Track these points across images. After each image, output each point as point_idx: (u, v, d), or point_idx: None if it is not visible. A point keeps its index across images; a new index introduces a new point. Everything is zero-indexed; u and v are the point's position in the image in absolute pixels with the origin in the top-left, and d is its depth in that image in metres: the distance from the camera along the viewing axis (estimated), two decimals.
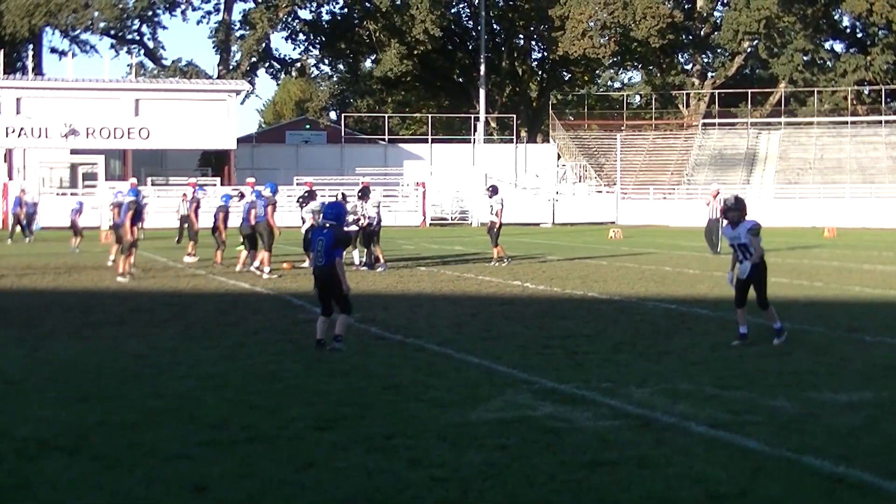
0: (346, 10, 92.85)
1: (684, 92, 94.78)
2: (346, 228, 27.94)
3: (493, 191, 32.16)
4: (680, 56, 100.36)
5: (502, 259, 30.47)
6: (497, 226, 30.89)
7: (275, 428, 9.54)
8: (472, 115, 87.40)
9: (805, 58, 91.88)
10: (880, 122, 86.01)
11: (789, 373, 12.50)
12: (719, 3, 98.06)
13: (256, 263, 26.96)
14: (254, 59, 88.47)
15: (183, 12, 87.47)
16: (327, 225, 14.56)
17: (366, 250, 29.20)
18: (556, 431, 9.38)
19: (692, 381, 11.85)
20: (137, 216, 27.10)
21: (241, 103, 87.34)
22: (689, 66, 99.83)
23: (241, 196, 34.80)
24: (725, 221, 15.67)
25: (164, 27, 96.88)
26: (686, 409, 10.28)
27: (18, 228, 46.97)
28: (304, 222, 29.30)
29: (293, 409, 10.33)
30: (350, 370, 12.67)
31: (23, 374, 12.46)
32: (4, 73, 73.02)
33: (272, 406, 10.51)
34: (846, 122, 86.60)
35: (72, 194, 60.78)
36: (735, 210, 15.47)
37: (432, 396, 11.00)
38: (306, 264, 28.84)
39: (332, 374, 12.37)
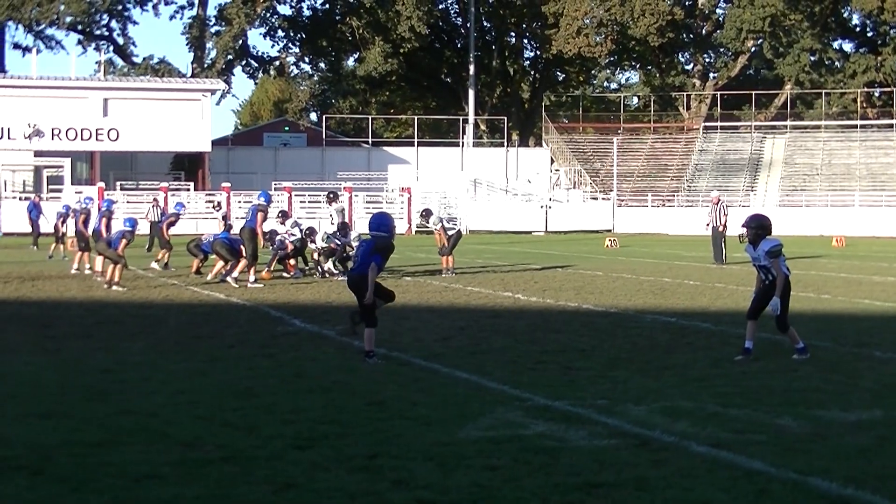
0: (327, 5, 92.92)
1: (685, 93, 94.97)
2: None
3: (427, 214, 32.84)
4: (680, 55, 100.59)
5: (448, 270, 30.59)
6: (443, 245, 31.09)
7: (251, 447, 9.52)
8: (461, 117, 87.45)
9: (812, 58, 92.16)
10: (891, 125, 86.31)
11: (795, 390, 12.50)
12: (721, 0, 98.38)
13: (235, 274, 26.92)
14: (230, 57, 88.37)
15: (155, 7, 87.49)
16: (371, 234, 14.88)
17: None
18: (549, 451, 9.37)
19: (693, 398, 11.85)
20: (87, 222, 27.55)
21: (217, 104, 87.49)
22: (689, 66, 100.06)
23: (219, 206, 35.51)
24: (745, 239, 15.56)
25: (135, 22, 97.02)
26: (686, 428, 10.27)
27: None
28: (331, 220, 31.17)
29: (270, 428, 10.31)
30: (331, 386, 12.65)
31: None
32: None
33: (248, 424, 10.48)
34: (855, 126, 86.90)
35: (35, 198, 60.58)
36: (752, 228, 15.37)
37: (418, 414, 10.99)
38: (288, 274, 28.97)
39: (312, 391, 12.35)
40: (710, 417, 10.83)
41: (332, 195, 34.25)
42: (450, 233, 31.05)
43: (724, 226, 36.41)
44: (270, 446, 9.56)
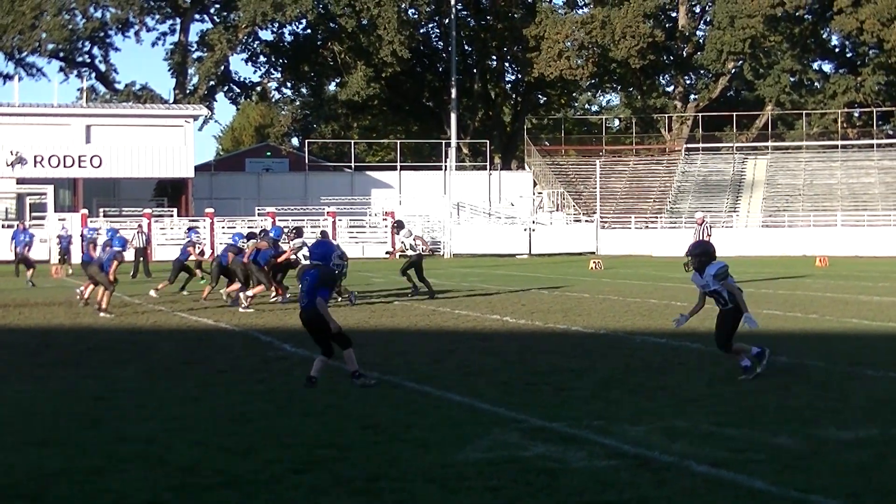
0: (309, 30, 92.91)
1: (666, 115, 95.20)
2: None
3: (399, 226, 32.94)
4: (661, 77, 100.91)
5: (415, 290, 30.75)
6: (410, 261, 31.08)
7: (250, 472, 9.50)
8: (443, 141, 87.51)
9: (792, 79, 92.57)
10: (872, 145, 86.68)
11: (789, 408, 12.53)
12: (702, 21, 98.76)
13: (250, 293, 27.29)
14: (212, 83, 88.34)
15: (136, 33, 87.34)
16: (313, 264, 14.64)
17: None
18: (549, 472, 9.36)
19: (688, 418, 11.85)
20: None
21: (199, 129, 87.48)
22: (670, 88, 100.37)
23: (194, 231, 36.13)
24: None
25: (117, 49, 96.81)
26: (685, 448, 10.28)
27: None
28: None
29: (268, 452, 10.28)
30: (324, 410, 12.63)
31: None
32: None
33: (245, 448, 10.46)
34: (836, 146, 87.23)
35: (16, 226, 60.48)
36: (696, 256, 15.32)
37: (414, 436, 10.98)
38: (274, 298, 28.92)
39: (306, 415, 12.33)
40: (707, 437, 10.84)
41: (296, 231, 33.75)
42: (409, 252, 31.04)
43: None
44: (269, 471, 9.53)
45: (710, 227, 38.04)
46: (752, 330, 15.24)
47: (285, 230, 31.26)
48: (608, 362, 16.63)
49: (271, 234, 28.69)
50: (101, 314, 25.41)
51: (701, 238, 36.14)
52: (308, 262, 28.11)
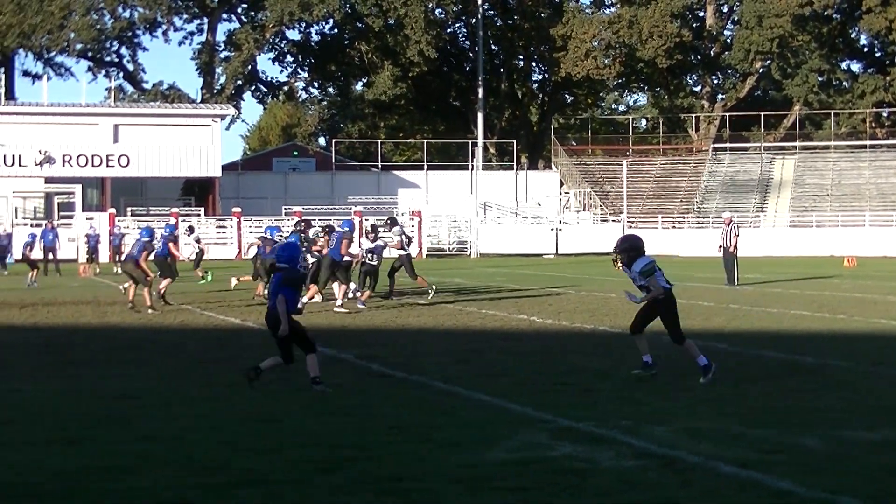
0: (336, 30, 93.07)
1: (693, 115, 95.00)
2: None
3: (392, 223, 32.08)
4: (688, 77, 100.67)
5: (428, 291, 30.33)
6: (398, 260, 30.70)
7: (277, 471, 9.51)
8: (470, 141, 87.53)
9: (821, 78, 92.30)
10: None
11: (816, 409, 12.48)
12: (730, 21, 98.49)
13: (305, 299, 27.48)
14: (239, 82, 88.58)
15: (164, 33, 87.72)
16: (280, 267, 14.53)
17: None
18: (576, 472, 9.35)
19: (715, 419, 11.83)
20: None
21: (227, 129, 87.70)
22: (698, 88, 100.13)
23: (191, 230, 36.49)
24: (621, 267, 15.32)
25: (145, 49, 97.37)
26: (711, 449, 10.25)
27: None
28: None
29: (294, 451, 10.29)
30: (352, 410, 12.64)
31: (7, 416, 12.40)
32: None
33: (272, 448, 10.47)
34: (865, 146, 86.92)
35: (45, 224, 60.72)
36: (624, 251, 15.16)
37: (442, 437, 10.97)
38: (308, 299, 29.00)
39: (333, 414, 12.34)
40: (734, 438, 10.81)
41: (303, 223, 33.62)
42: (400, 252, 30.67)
43: (735, 247, 36.36)
44: (296, 470, 9.54)
45: (738, 227, 37.92)
46: (630, 301, 15.14)
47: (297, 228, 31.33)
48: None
49: (346, 228, 28.48)
50: (149, 311, 25.72)
51: (728, 239, 36.15)
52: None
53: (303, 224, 30.64)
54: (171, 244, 29.90)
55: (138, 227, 62.53)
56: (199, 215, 70.02)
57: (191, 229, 43.55)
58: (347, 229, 27.79)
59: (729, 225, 36.98)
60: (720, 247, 37.03)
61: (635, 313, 15.37)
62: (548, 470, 9.46)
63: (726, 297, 30.37)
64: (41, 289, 35.96)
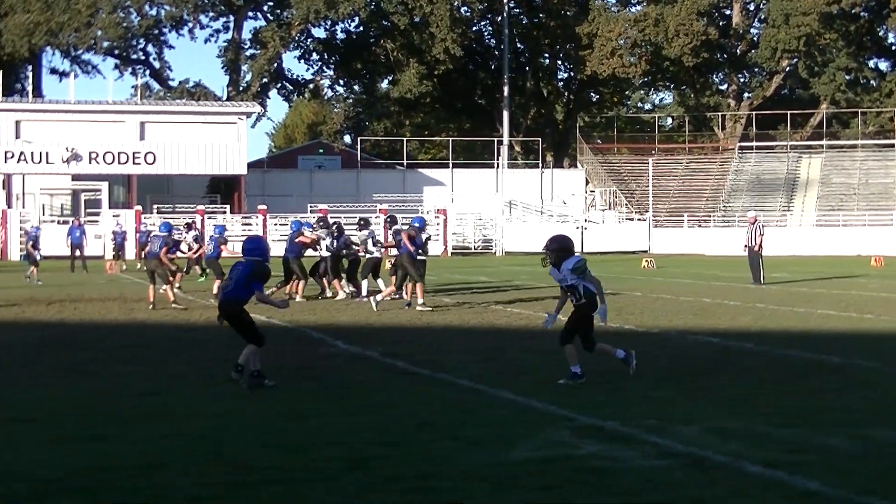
0: (361, 28, 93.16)
1: (719, 113, 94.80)
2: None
3: (392, 221, 31.42)
4: (715, 76, 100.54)
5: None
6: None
7: (303, 468, 9.51)
8: (496, 139, 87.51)
9: (848, 77, 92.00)
10: None
11: (843, 409, 12.43)
12: (756, 19, 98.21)
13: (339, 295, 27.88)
14: (265, 80, 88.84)
15: (190, 31, 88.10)
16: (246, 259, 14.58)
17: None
18: (602, 471, 9.34)
19: (741, 418, 11.77)
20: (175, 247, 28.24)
21: (252, 126, 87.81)
22: (724, 87, 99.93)
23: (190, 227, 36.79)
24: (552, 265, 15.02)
25: (171, 46, 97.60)
26: (738, 448, 10.21)
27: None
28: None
29: (320, 449, 10.30)
30: (377, 407, 12.64)
31: (34, 413, 12.45)
32: (3, 96, 73.50)
33: (298, 445, 10.48)
34: (892, 145, 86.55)
35: (71, 221, 60.97)
36: (553, 250, 15.01)
37: (467, 434, 10.96)
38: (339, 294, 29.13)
39: (359, 412, 12.34)
40: (760, 437, 10.76)
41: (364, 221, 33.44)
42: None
43: (760, 246, 36.28)
44: (321, 468, 9.54)
45: (763, 227, 37.82)
46: (600, 323, 14.82)
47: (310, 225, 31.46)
48: (660, 361, 16.56)
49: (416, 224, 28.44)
50: (172, 306, 25.94)
51: (753, 238, 36.06)
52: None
53: (390, 219, 30.94)
54: (222, 245, 30.09)
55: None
56: (224, 213, 70.19)
57: (188, 227, 43.56)
58: (417, 225, 27.48)
59: (754, 224, 36.88)
60: (745, 246, 36.93)
61: (563, 328, 15.03)
62: (573, 468, 9.44)
63: (752, 296, 30.27)
64: (67, 285, 36.08)
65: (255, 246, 14.82)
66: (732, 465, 9.54)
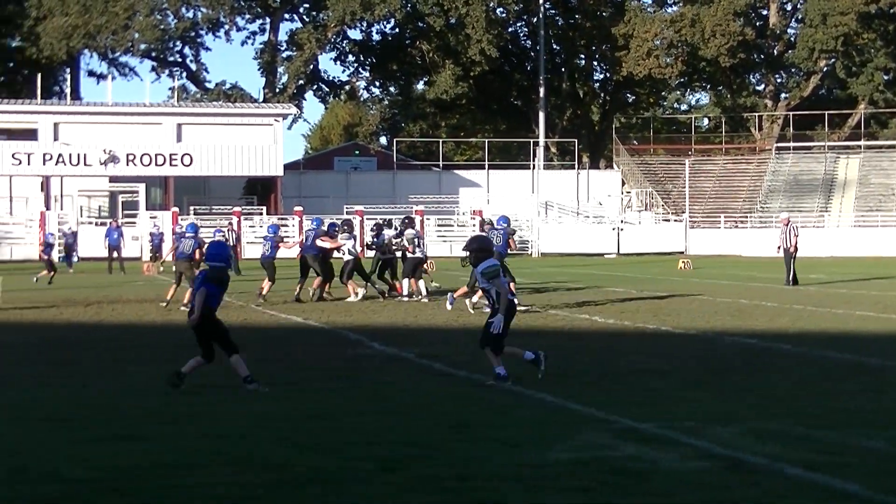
0: (397, 29, 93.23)
1: (756, 114, 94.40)
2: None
3: (409, 223, 31.33)
4: (751, 76, 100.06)
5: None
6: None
7: (340, 469, 9.50)
8: (531, 140, 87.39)
9: (886, 77, 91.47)
10: None
11: (882, 411, 12.35)
12: (793, 19, 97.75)
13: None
14: (301, 82, 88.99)
15: (227, 33, 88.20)
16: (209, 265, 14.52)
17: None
18: (639, 473, 9.29)
19: (779, 420, 11.69)
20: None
21: (288, 128, 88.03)
22: (761, 87, 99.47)
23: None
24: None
25: (208, 49, 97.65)
26: (776, 450, 10.14)
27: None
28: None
29: (357, 450, 10.29)
30: (413, 408, 12.63)
31: (70, 412, 12.50)
32: (41, 98, 73.92)
33: (334, 446, 10.47)
34: None
35: (109, 223, 61.17)
36: (473, 251, 14.85)
37: (504, 436, 10.93)
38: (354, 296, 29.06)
39: (395, 413, 12.33)
40: (799, 439, 10.69)
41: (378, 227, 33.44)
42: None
43: (795, 247, 36.20)
44: (358, 469, 9.52)
45: (797, 228, 37.68)
46: (493, 331, 14.42)
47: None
48: (698, 363, 16.50)
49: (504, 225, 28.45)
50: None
51: (788, 239, 35.95)
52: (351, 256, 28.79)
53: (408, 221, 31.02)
54: (280, 243, 30.26)
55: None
56: (261, 214, 70.38)
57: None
58: (504, 224, 27.43)
59: (787, 225, 36.79)
60: (779, 247, 36.88)
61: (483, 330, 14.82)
62: (610, 470, 9.40)
63: (790, 297, 30.12)
64: (105, 286, 36.24)
65: (218, 252, 14.81)
66: (771, 467, 9.48)
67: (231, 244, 43.89)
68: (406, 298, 28.75)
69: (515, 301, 14.99)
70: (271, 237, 30.19)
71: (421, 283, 29.41)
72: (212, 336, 14.19)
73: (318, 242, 29.36)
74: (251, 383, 13.93)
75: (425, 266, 30.77)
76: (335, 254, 30.08)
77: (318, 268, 29.29)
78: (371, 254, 31.48)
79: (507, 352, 14.53)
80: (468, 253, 14.96)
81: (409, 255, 29.54)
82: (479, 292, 25.86)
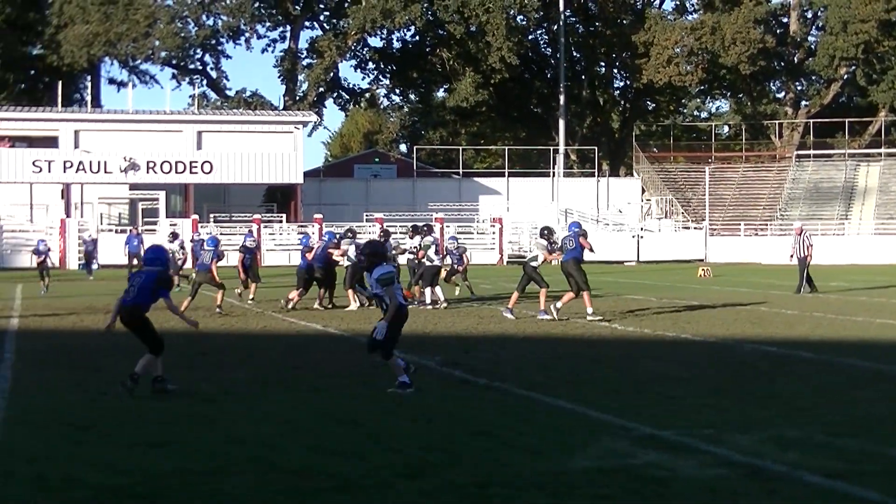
0: (417, 37, 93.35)
1: (777, 122, 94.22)
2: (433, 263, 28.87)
3: (428, 230, 31.53)
4: (772, 84, 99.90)
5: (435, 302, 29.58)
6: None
7: (361, 476, 9.56)
8: (551, 148, 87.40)
9: None
10: None
11: None
12: (814, 27, 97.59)
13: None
14: (321, 89, 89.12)
15: (247, 41, 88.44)
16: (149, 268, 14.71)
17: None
18: (659, 481, 9.33)
19: (800, 428, 11.71)
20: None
21: (309, 135, 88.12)
22: (781, 95, 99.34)
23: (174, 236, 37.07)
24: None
25: (228, 56, 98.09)
26: (796, 458, 10.16)
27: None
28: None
29: (378, 456, 10.35)
30: (435, 415, 12.68)
31: (92, 419, 12.57)
32: (62, 106, 74.19)
33: (356, 452, 10.53)
34: None
35: (129, 231, 61.29)
36: (366, 255, 14.89)
37: (525, 443, 10.98)
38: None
39: (416, 420, 12.39)
40: (819, 447, 10.71)
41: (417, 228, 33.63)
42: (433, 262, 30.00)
43: (809, 256, 36.21)
44: (380, 475, 9.59)
45: (810, 237, 37.63)
46: (375, 336, 14.59)
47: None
48: (717, 370, 16.51)
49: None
50: (216, 310, 26.60)
51: (801, 249, 35.92)
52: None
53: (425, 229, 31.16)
54: (332, 249, 30.26)
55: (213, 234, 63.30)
56: (280, 221, 70.51)
57: (174, 235, 43.64)
58: (576, 229, 27.54)
59: (800, 235, 36.75)
60: (791, 256, 36.89)
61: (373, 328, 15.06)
62: (630, 478, 9.44)
63: (810, 305, 30.08)
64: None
65: (157, 255, 14.96)
66: (791, 475, 9.50)
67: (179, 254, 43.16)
68: (430, 307, 28.82)
69: (408, 308, 15.10)
70: (212, 250, 29.59)
71: (438, 289, 29.50)
72: (142, 332, 14.46)
73: (330, 251, 29.56)
74: (131, 382, 14.10)
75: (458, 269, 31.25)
76: (343, 262, 30.06)
77: (322, 277, 29.52)
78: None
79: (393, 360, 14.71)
80: (362, 257, 15.07)
81: (427, 263, 29.64)
82: (566, 296, 25.95)
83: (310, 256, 29.96)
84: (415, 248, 31.35)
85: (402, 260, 32.14)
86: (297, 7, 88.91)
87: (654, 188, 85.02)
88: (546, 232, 27.72)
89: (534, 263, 26.71)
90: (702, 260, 69.93)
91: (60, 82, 75.90)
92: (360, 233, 52.24)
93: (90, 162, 66.97)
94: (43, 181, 67.88)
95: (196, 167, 68.47)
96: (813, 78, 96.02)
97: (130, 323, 14.58)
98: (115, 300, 14.89)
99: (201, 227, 61.81)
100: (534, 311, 26.39)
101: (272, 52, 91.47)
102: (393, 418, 12.49)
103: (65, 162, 66.90)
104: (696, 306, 29.76)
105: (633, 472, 9.68)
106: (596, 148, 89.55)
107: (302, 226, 66.49)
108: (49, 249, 41.88)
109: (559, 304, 25.50)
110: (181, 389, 14.63)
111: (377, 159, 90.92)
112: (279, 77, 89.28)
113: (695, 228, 76.31)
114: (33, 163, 66.62)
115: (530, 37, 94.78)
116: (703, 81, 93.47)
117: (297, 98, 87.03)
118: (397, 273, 15.09)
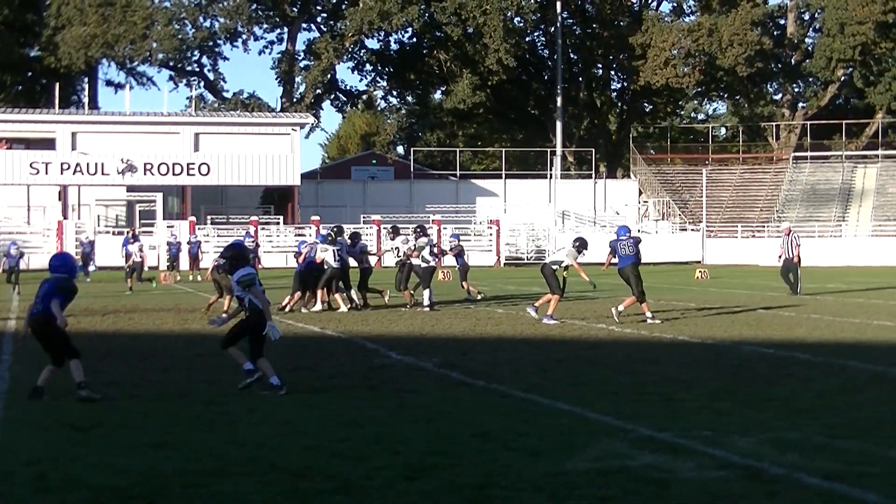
0: (415, 39, 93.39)
1: (774, 123, 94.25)
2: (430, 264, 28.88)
3: (422, 232, 31.46)
4: (769, 85, 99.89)
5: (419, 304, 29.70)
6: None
7: (361, 477, 9.58)
8: (549, 149, 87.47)
9: None
10: None
11: None
12: (811, 29, 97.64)
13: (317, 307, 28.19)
14: (318, 91, 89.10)
15: (244, 42, 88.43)
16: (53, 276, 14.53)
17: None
18: (658, 482, 9.34)
19: (799, 429, 11.73)
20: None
21: (306, 137, 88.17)
22: (778, 96, 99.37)
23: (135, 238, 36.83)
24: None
25: (225, 58, 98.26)
26: (796, 460, 10.18)
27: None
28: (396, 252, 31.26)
29: (378, 458, 10.37)
30: (434, 417, 12.69)
31: (92, 421, 12.58)
32: (59, 107, 74.20)
33: (356, 454, 10.55)
34: None
35: (126, 233, 61.33)
36: (227, 258, 14.96)
37: (524, 444, 10.99)
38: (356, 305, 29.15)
39: (416, 421, 12.40)
40: (819, 449, 10.73)
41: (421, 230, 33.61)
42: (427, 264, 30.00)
43: (798, 257, 36.23)
44: (380, 477, 9.61)
45: (798, 238, 37.63)
46: (274, 341, 14.87)
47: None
48: (716, 372, 16.52)
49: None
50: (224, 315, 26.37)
51: (789, 249, 35.93)
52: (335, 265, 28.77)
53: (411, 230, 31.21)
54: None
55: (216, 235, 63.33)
56: (278, 223, 70.55)
57: (135, 237, 43.65)
58: (625, 234, 27.72)
59: (788, 235, 36.77)
60: (779, 257, 36.91)
61: (230, 329, 15.39)
62: (629, 479, 9.46)
63: (808, 306, 30.10)
64: (122, 296, 36.35)
65: (62, 262, 14.86)
66: (790, 477, 9.52)
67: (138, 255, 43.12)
68: (427, 309, 28.83)
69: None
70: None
71: (426, 291, 29.42)
72: (50, 342, 14.25)
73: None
74: (83, 389, 13.98)
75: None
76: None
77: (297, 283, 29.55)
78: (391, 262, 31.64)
79: (232, 352, 15.10)
80: (222, 259, 15.12)
81: (423, 265, 29.65)
82: (626, 301, 25.96)
83: (300, 260, 29.95)
84: (395, 248, 31.42)
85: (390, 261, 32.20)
86: (294, 9, 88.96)
87: (651, 190, 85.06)
88: (578, 244, 27.65)
89: (554, 267, 26.64)
90: (699, 262, 69.99)
91: (58, 84, 75.98)
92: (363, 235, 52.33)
93: (87, 164, 67.02)
94: (40, 183, 67.91)
95: (193, 169, 68.51)
96: (810, 80, 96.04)
97: (38, 332, 14.32)
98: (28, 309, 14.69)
99: (199, 228, 61.89)
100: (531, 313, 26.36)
101: (269, 53, 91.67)
102: (394, 420, 12.50)
103: (62, 164, 66.95)
104: (694, 308, 29.80)
105: (632, 473, 9.70)
106: (593, 150, 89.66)
107: (300, 227, 66.57)
108: (22, 255, 41.65)
109: (621, 308, 25.53)
110: (158, 393, 14.63)
111: (374, 161, 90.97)
112: (276, 79, 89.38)
113: (692, 230, 76.40)
114: (30, 164, 66.69)
115: (528, 39, 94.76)
116: (701, 83, 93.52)
117: (295, 100, 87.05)
118: (257, 275, 15.13)
